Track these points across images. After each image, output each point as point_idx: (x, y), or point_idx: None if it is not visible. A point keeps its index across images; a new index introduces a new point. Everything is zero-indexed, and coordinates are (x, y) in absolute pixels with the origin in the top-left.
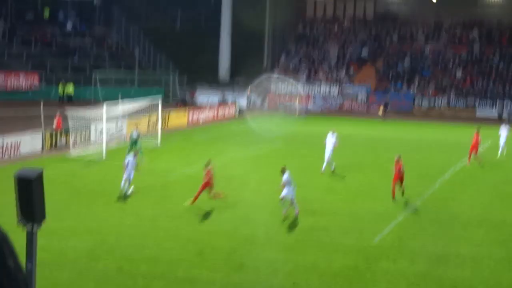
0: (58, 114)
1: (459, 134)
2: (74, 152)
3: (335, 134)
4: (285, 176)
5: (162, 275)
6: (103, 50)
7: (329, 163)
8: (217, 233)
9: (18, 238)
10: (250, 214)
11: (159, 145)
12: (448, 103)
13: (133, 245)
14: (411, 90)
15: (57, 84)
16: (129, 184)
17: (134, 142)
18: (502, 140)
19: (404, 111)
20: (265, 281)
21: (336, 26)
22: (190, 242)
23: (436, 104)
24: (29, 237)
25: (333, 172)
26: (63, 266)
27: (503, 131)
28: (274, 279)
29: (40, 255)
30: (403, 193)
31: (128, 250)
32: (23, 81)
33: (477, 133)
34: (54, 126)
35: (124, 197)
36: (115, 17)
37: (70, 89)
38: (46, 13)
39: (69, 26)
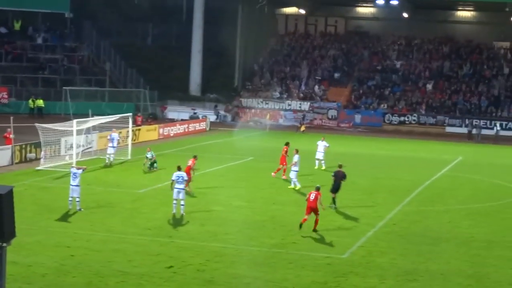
0: (8, 130)
1: (428, 151)
2: (43, 165)
3: None
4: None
5: None
6: (74, 65)
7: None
8: (187, 248)
9: None
10: (220, 229)
11: (130, 158)
12: (418, 120)
13: (102, 260)
14: (382, 107)
15: (27, 100)
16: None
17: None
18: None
19: (375, 127)
20: None
21: (307, 42)
22: (159, 257)
23: (406, 121)
24: None
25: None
26: (32, 281)
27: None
28: None
29: (9, 269)
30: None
31: (97, 265)
32: None
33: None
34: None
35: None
36: (86, 31)
37: (41, 102)
38: (17, 26)
39: (39, 39)
